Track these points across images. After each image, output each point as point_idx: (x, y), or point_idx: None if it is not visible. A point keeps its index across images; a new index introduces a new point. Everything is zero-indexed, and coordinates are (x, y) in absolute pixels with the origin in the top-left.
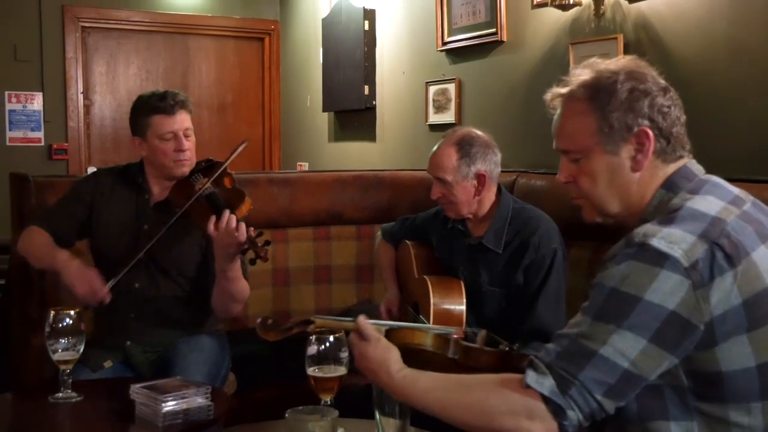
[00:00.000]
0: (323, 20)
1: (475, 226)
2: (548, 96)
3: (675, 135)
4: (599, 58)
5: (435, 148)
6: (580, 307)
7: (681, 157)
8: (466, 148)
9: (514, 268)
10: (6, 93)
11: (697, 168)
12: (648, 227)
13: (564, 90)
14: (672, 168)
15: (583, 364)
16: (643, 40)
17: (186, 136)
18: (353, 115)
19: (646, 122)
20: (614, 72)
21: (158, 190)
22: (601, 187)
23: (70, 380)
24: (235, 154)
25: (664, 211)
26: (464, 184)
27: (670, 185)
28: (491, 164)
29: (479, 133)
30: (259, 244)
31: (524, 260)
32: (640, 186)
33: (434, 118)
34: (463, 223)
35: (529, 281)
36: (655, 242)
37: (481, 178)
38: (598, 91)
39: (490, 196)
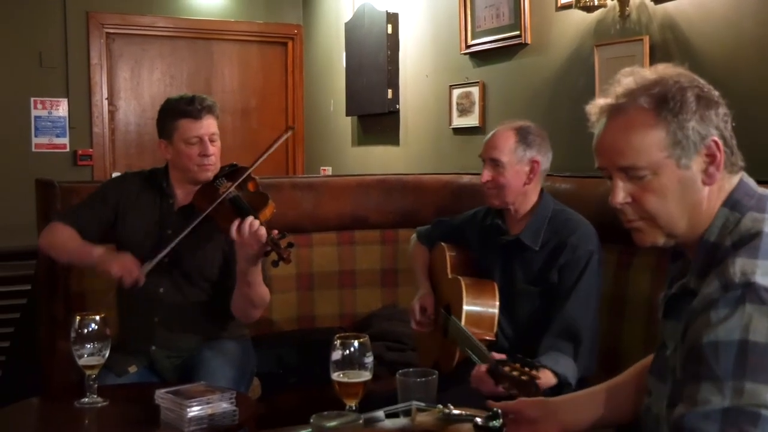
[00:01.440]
0: (346, 24)
1: (513, 224)
2: (592, 108)
3: (734, 144)
4: (627, 63)
5: (492, 132)
6: (686, 378)
7: (742, 167)
8: (524, 133)
9: (550, 267)
10: (32, 99)
11: (751, 182)
12: (741, 264)
13: (615, 100)
14: (734, 180)
15: None
16: (670, 42)
17: (211, 141)
18: (376, 119)
19: (715, 132)
20: (676, 79)
21: (182, 194)
22: (671, 206)
23: (96, 385)
24: (279, 141)
25: (736, 235)
26: (517, 167)
27: (733, 203)
28: (545, 157)
29: (538, 127)
30: (282, 246)
31: (560, 259)
32: (709, 201)
33: (458, 122)
34: (502, 219)
35: (563, 281)
36: (760, 279)
37: (534, 166)
38: (667, 100)
39: (535, 192)
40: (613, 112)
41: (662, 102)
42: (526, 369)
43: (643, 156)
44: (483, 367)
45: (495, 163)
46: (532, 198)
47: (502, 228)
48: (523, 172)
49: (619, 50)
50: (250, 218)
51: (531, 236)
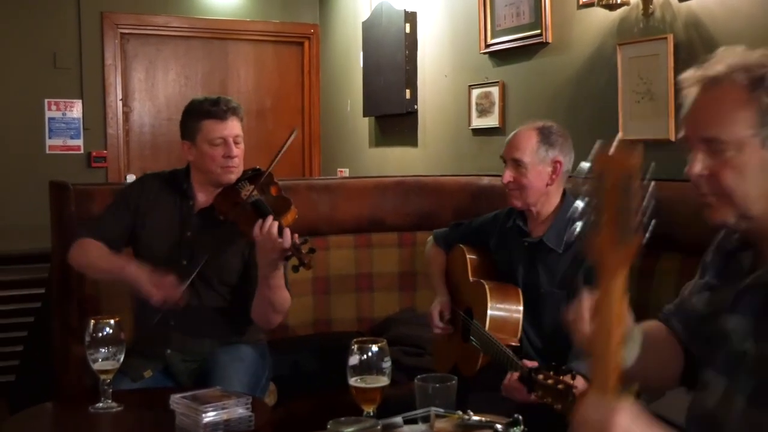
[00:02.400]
0: (363, 23)
1: (535, 226)
2: (686, 76)
3: None
4: (650, 62)
5: (514, 132)
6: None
7: None
8: (546, 133)
9: (575, 269)
10: (45, 101)
11: None
12: None
13: (713, 72)
14: None
15: None
16: (695, 40)
17: (236, 143)
18: (394, 119)
19: None
20: None
21: (203, 196)
22: (749, 184)
23: (111, 390)
24: (287, 144)
25: None
26: (540, 168)
27: None
28: (567, 156)
29: (560, 127)
30: (304, 251)
31: (586, 263)
32: None
33: (477, 122)
34: (524, 221)
35: (590, 285)
36: None
37: (556, 166)
38: (763, 80)
39: (557, 193)
40: (707, 83)
41: (758, 81)
42: (561, 377)
43: (728, 130)
44: (515, 375)
45: (517, 164)
46: (555, 199)
47: (524, 230)
48: (545, 173)
49: (643, 49)
50: (270, 219)
51: (554, 238)
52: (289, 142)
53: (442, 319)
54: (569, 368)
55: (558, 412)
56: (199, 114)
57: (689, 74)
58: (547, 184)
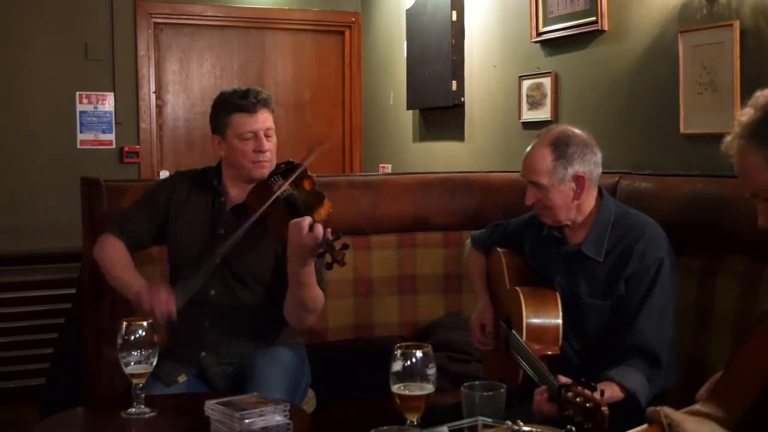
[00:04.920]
0: (407, 11)
1: (573, 233)
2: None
3: None
4: (714, 50)
5: (528, 149)
6: None
7: None
8: (562, 148)
9: (616, 278)
10: (77, 93)
11: None
12: None
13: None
14: None
15: None
16: (762, 27)
17: (267, 137)
18: (440, 112)
19: None
20: None
21: (235, 193)
22: None
23: (143, 395)
24: (313, 155)
25: None
26: (561, 187)
27: None
28: (590, 165)
29: (576, 131)
30: (337, 248)
31: (627, 270)
32: None
33: (528, 115)
34: (560, 229)
35: (631, 293)
36: None
37: (579, 181)
38: None
39: (590, 200)
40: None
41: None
42: (592, 394)
43: None
44: (545, 393)
45: (536, 185)
46: (588, 205)
47: (560, 238)
48: (568, 190)
49: (706, 37)
50: (306, 218)
51: (593, 246)
52: (316, 152)
53: (484, 331)
54: (605, 375)
55: (589, 431)
56: (227, 107)
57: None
58: (574, 199)
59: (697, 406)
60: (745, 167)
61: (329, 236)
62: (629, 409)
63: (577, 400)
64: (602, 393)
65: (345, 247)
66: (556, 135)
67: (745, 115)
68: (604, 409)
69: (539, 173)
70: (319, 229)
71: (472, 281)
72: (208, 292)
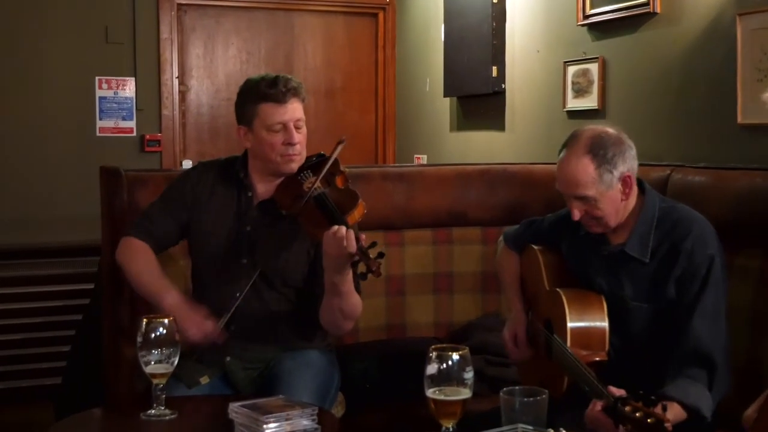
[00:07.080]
0: None
1: (614, 232)
2: None
3: None
4: None
5: (561, 160)
6: None
7: None
8: (600, 153)
9: (664, 280)
10: (96, 78)
11: None
12: None
13: None
14: None
15: None
16: None
17: (297, 128)
18: (479, 100)
19: None
20: None
21: (263, 187)
22: None
23: (164, 396)
24: (334, 155)
25: None
26: (610, 193)
27: None
28: (631, 161)
29: (606, 129)
30: (372, 257)
31: (675, 270)
32: None
33: (573, 104)
34: None
35: (682, 295)
36: None
37: (626, 181)
38: None
39: (632, 196)
40: None
41: None
42: (651, 409)
43: None
44: (599, 405)
45: (582, 199)
46: (631, 203)
47: (601, 238)
48: (617, 192)
49: (767, 20)
50: (341, 228)
51: (638, 246)
52: (337, 151)
53: (517, 342)
54: (662, 394)
55: None
56: (255, 96)
57: None
58: (623, 200)
59: None
60: None
61: (363, 244)
62: (694, 426)
63: (637, 415)
64: (664, 408)
65: (381, 255)
66: (589, 140)
67: None
68: (668, 425)
69: (585, 186)
70: (352, 235)
71: (504, 284)
72: (235, 294)
